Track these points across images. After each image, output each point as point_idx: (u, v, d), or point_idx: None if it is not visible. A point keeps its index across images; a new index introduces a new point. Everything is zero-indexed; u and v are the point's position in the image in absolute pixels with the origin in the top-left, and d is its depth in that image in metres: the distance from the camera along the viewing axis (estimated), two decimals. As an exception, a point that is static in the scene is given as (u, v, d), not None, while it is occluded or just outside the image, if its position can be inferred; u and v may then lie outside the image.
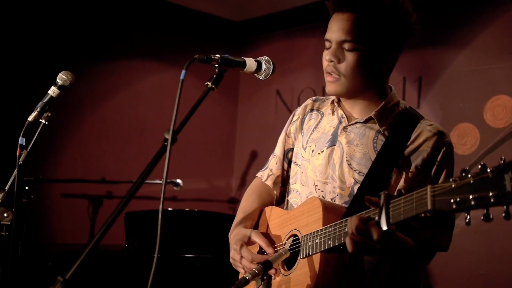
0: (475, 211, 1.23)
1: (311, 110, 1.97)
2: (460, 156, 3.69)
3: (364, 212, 1.49)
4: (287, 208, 1.93)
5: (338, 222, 1.55)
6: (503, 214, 1.15)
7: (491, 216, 1.18)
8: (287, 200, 1.95)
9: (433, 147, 1.69)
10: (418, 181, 1.69)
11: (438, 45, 3.94)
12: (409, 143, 1.71)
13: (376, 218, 1.43)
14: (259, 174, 2.07)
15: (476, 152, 3.65)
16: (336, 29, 1.73)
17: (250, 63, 1.66)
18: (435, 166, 1.69)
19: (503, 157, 1.17)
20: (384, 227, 1.40)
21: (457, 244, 3.71)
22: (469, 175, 1.21)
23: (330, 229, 1.57)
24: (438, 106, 3.89)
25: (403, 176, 1.69)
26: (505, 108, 3.55)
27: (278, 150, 2.03)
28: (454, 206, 1.22)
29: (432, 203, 1.28)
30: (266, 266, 1.59)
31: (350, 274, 1.63)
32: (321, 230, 1.60)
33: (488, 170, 1.17)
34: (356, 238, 1.45)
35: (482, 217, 1.19)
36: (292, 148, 1.98)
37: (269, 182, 2.01)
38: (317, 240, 1.60)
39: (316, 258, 1.61)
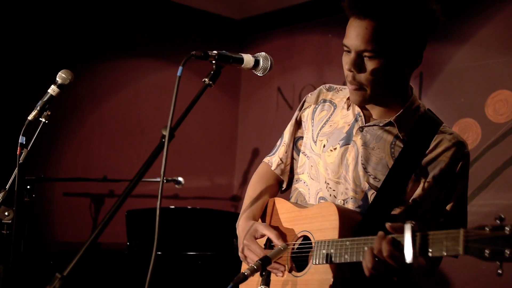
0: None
1: (324, 100, 1.90)
2: (462, 151, 3.68)
3: (393, 236, 1.44)
4: (296, 199, 1.89)
5: (357, 238, 1.52)
6: None
7: None
8: (296, 188, 1.91)
9: (452, 158, 1.67)
10: (434, 191, 1.68)
11: (439, 41, 3.93)
12: (427, 151, 1.68)
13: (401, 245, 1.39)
14: (266, 160, 2.01)
15: (477, 147, 3.64)
16: (354, 37, 1.61)
17: (248, 59, 1.66)
18: (451, 178, 1.67)
19: None
20: (409, 260, 1.37)
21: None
22: (506, 228, 1.21)
23: (348, 243, 1.53)
24: (439, 101, 3.89)
25: (420, 185, 1.67)
26: (507, 103, 3.54)
27: (287, 138, 1.96)
28: (487, 255, 1.22)
29: (464, 249, 1.27)
30: (265, 261, 1.59)
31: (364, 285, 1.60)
32: (338, 241, 1.57)
33: None
34: (382, 258, 1.43)
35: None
36: (302, 137, 1.93)
37: (278, 172, 1.96)
38: (332, 250, 1.56)
39: (330, 268, 1.58)
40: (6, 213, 2.13)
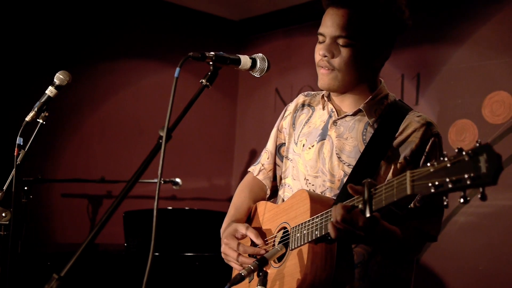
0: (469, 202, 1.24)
1: (303, 105, 1.98)
2: (459, 152, 3.68)
3: (348, 200, 1.51)
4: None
5: (324, 212, 1.58)
6: (479, 195, 1.17)
7: (468, 198, 1.20)
8: (280, 195, 1.96)
9: (422, 138, 1.71)
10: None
11: (436, 42, 3.94)
12: (397, 134, 1.73)
13: (360, 206, 1.45)
14: (251, 169, 2.08)
15: (474, 148, 3.64)
16: (330, 24, 1.74)
17: (245, 60, 1.67)
18: (423, 157, 1.71)
19: (478, 140, 1.18)
20: (367, 214, 1.42)
21: (456, 240, 3.73)
22: (446, 159, 1.22)
23: (317, 219, 1.59)
24: (436, 102, 3.90)
25: (392, 167, 1.71)
26: (503, 104, 3.55)
27: (270, 145, 2.04)
28: (432, 190, 1.24)
29: (411, 188, 1.30)
30: (262, 262, 1.60)
31: (339, 264, 1.64)
32: (309, 221, 1.63)
33: (464, 153, 1.19)
34: (340, 225, 1.47)
35: (460, 199, 1.20)
36: (284, 143, 2.00)
37: (261, 177, 2.02)
38: (304, 231, 1.62)
39: (305, 249, 1.62)
40: (4, 214, 2.13)
